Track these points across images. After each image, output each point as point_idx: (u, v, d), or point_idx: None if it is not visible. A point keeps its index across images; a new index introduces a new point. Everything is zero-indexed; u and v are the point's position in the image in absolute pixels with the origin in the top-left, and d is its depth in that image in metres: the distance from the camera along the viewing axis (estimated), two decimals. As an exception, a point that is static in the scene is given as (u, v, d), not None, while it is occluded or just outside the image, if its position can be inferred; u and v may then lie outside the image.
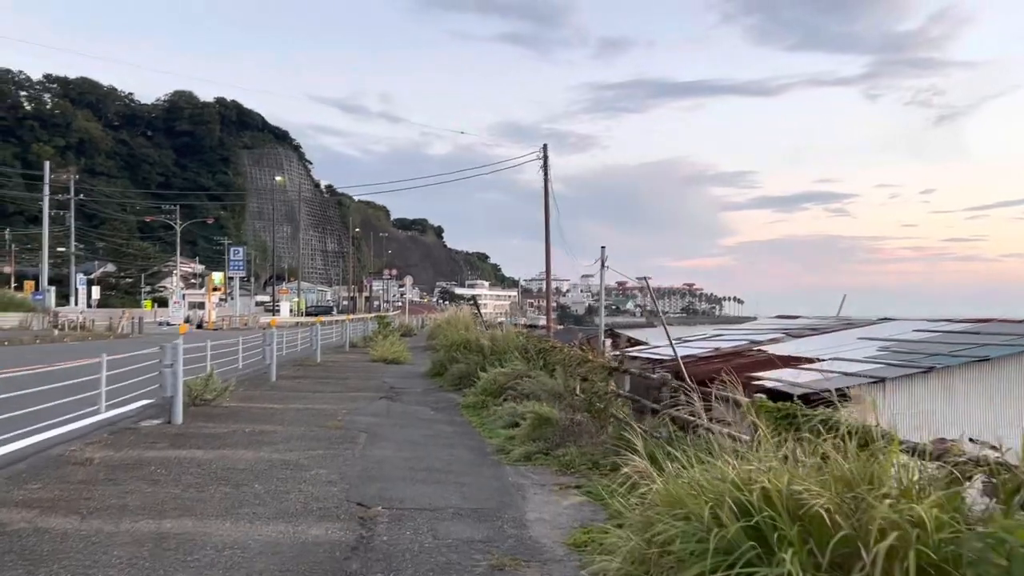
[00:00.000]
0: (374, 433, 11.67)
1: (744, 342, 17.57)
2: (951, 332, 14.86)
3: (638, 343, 26.72)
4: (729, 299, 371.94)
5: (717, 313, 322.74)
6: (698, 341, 20.43)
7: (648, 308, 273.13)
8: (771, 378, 12.72)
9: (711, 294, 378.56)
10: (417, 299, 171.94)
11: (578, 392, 12.55)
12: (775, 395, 11.64)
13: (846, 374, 12.32)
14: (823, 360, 13.92)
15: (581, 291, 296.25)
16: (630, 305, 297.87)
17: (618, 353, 18.71)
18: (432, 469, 9.28)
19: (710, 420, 9.77)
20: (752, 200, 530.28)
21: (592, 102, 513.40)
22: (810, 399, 11.42)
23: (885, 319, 17.86)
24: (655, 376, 10.00)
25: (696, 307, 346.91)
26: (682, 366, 10.64)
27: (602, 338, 25.90)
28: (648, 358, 18.12)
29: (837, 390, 11.65)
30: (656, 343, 24.26)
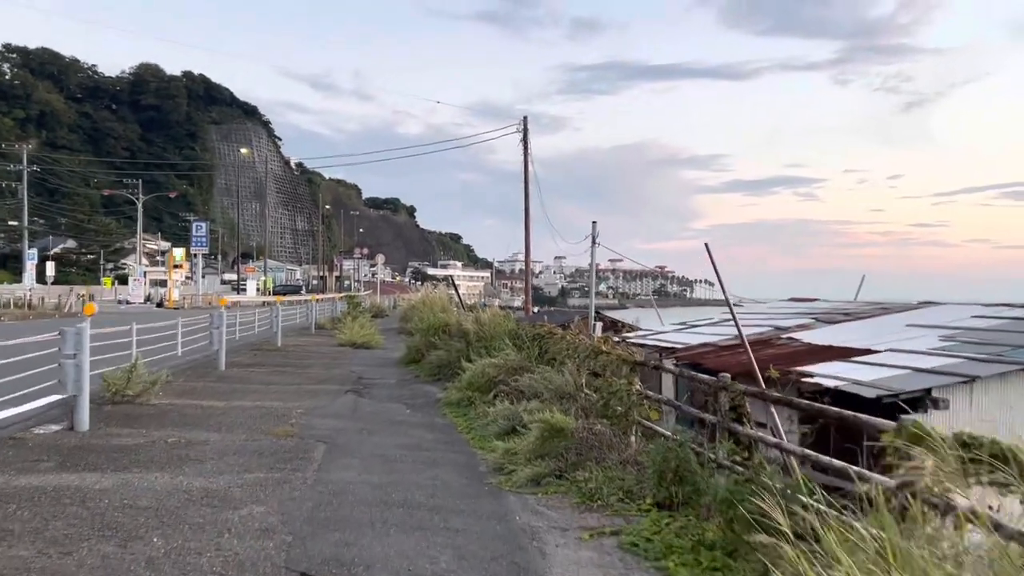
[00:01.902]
0: (335, 443, 9.10)
1: (767, 328, 15.18)
2: (1021, 319, 12.56)
3: (629, 328, 24.39)
4: (700, 282, 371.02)
5: (688, 296, 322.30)
6: (707, 326, 18.05)
7: (620, 291, 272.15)
8: (824, 374, 10.31)
9: (683, 276, 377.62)
10: (389, 279, 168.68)
11: (586, 391, 10.08)
12: (841, 397, 9.25)
13: (920, 370, 9.93)
14: (878, 351, 11.54)
15: (554, 272, 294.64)
16: (603, 287, 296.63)
17: (619, 340, 16.25)
18: (411, 504, 6.74)
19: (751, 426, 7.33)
20: (724, 184, 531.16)
21: (566, 83, 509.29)
22: (882, 402, 9.06)
23: (927, 303, 15.56)
24: (707, 377, 7.53)
25: (668, 290, 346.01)
26: (753, 360, 8.18)
27: (593, 321, 23.43)
28: (655, 346, 15.68)
29: (925, 392, 9.34)
30: (654, 328, 21.89)
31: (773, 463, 6.48)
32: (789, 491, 5.35)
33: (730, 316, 18.89)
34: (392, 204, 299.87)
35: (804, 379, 10.33)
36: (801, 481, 5.35)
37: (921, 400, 9.32)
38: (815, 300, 19.17)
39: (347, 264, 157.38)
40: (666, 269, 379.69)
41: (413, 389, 14.75)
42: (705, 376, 7.63)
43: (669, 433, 8.65)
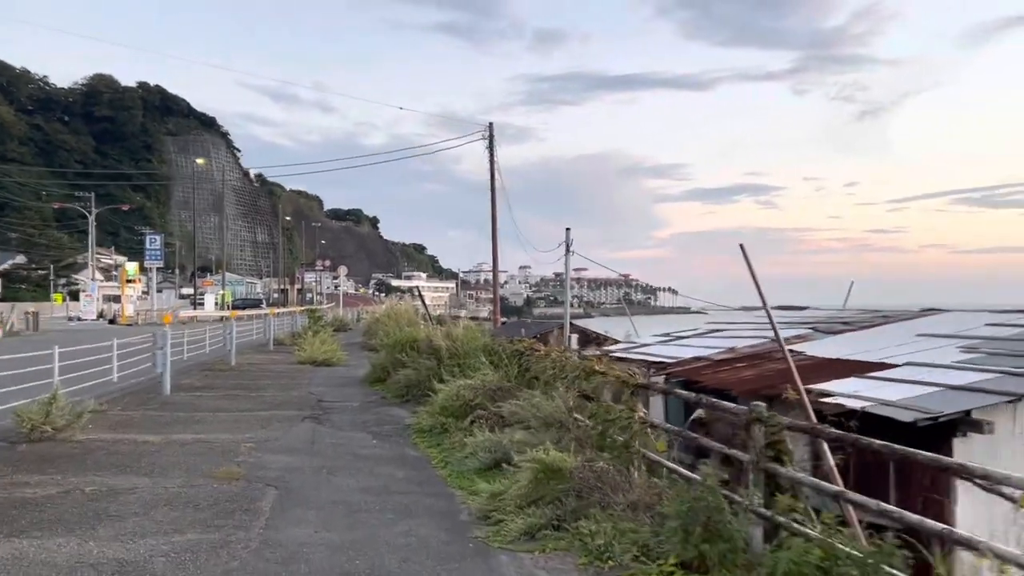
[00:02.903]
0: (288, 488, 7.69)
1: (762, 339, 14.04)
2: (1043, 326, 11.52)
3: (612, 341, 23.27)
4: (664, 289, 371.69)
5: (652, 303, 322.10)
6: (693, 337, 16.89)
7: (585, 299, 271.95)
8: (845, 393, 9.13)
9: (647, 284, 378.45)
10: (352, 291, 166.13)
11: (577, 416, 8.80)
12: (870, 421, 8.07)
13: (953, 387, 8.80)
14: (895, 365, 10.42)
15: (520, 282, 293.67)
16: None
17: (599, 353, 15.01)
18: (380, 573, 5.38)
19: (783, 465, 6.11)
20: (685, 192, 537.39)
21: (528, 94, 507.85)
22: (916, 426, 7.90)
23: (931, 310, 14.56)
24: (735, 406, 6.30)
25: (633, 298, 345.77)
26: (801, 385, 6.94)
27: (568, 333, 22.20)
28: (641, 360, 14.45)
29: (964, 413, 8.21)
30: (631, 339, 20.72)
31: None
32: (874, 562, 4.12)
33: (719, 326, 17.78)
34: (355, 215, 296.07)
35: (823, 399, 9.16)
36: (891, 549, 4.10)
37: (958, 423, 8.20)
38: (805, 308, 18.13)
39: (309, 276, 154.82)
40: (630, 277, 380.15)
41: (379, 414, 13.34)
42: (731, 405, 6.38)
43: (675, 466, 7.41)
